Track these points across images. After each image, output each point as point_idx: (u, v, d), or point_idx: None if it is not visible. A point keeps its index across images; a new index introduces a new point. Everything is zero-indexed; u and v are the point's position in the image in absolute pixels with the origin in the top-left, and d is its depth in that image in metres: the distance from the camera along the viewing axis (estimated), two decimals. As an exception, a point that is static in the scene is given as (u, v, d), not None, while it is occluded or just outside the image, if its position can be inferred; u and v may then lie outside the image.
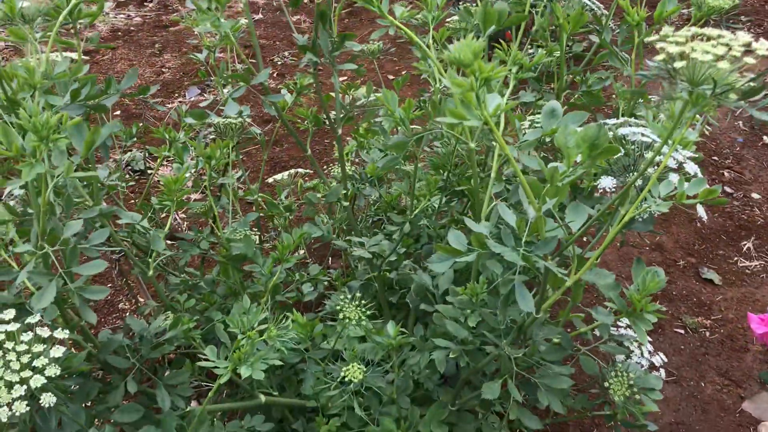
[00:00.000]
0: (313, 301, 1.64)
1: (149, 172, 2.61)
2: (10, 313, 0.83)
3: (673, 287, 2.17)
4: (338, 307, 1.11)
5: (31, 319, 0.83)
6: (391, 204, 1.64)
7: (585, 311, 1.10)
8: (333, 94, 1.36)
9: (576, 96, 1.49)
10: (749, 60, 0.62)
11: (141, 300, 1.84)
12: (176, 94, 3.14)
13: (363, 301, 1.11)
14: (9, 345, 0.79)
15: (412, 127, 1.19)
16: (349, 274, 1.75)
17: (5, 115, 0.88)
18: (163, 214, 1.58)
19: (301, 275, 1.46)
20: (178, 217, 2.37)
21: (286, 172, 1.84)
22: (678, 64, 0.62)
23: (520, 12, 1.06)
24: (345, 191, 1.41)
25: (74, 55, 1.07)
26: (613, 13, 1.42)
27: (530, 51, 1.47)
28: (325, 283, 1.61)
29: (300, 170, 1.85)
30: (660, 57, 0.64)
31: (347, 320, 1.11)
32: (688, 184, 0.87)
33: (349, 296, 1.12)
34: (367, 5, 0.92)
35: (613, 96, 1.53)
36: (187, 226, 2.30)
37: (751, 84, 0.66)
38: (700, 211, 0.96)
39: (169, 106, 3.08)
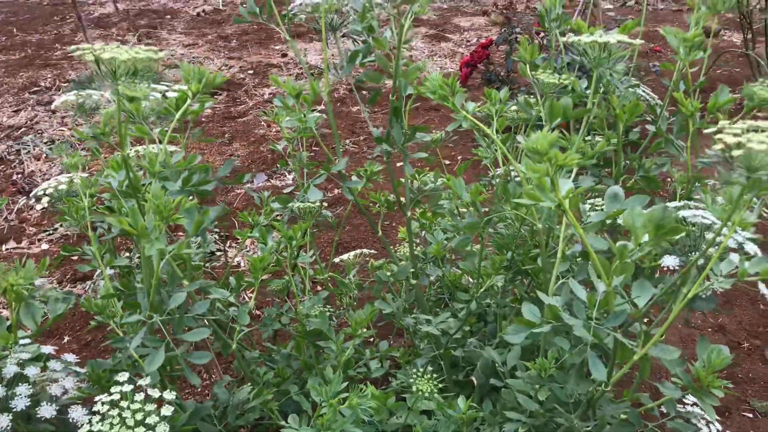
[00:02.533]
0: (379, 378, 1.70)
1: (218, 253, 2.74)
2: (124, 376, 0.92)
3: (738, 370, 2.14)
4: (411, 380, 1.17)
5: (141, 382, 0.92)
6: (453, 283, 1.71)
7: (652, 386, 1.13)
8: (403, 180, 1.46)
9: (632, 180, 1.56)
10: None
11: (214, 375, 1.93)
12: (246, 181, 3.32)
13: (434, 375, 1.17)
14: (124, 404, 0.88)
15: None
16: (413, 352, 1.81)
17: (124, 200, 1.00)
18: (241, 294, 1.68)
19: (372, 351, 1.53)
20: (246, 296, 2.47)
21: (352, 253, 1.93)
22: (735, 153, 0.69)
23: (580, 105, 1.15)
24: (413, 269, 1.49)
25: (177, 147, 1.20)
26: (667, 104, 1.51)
27: (588, 139, 1.56)
28: (388, 361, 1.67)
29: (365, 251, 1.94)
30: (718, 146, 0.71)
31: (419, 392, 1.17)
32: (749, 263, 0.92)
33: (421, 370, 1.18)
34: (443, 102, 1.03)
35: (669, 180, 1.59)
36: (259, 304, 2.40)
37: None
38: (763, 289, 1.00)
39: (239, 191, 3.25)
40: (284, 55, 5.41)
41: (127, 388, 0.90)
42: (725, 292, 2.50)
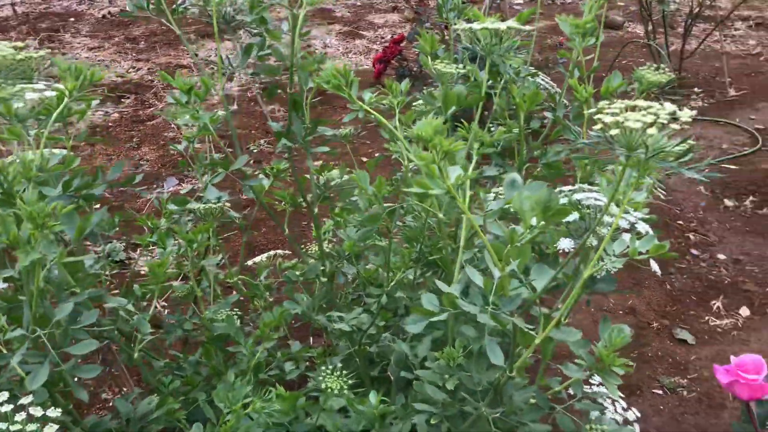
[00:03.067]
0: (295, 380, 1.67)
1: (128, 262, 2.64)
2: (3, 395, 0.86)
3: (648, 349, 2.22)
4: (320, 378, 1.15)
5: (23, 400, 0.86)
6: (369, 279, 1.69)
7: (558, 369, 1.15)
8: (308, 176, 1.44)
9: (537, 169, 1.58)
10: (674, 126, 0.70)
11: (125, 389, 1.85)
12: (155, 186, 3.21)
13: (344, 372, 1.15)
14: (3, 425, 0.82)
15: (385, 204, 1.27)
16: (331, 352, 1.78)
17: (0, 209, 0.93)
18: (145, 303, 1.62)
19: (283, 353, 1.50)
20: (158, 305, 2.39)
21: (264, 255, 1.89)
22: (613, 132, 0.70)
23: (477, 94, 1.16)
24: (323, 268, 1.47)
25: (64, 151, 1.14)
26: (566, 91, 1.53)
27: (491, 129, 1.57)
28: (306, 363, 1.64)
29: (278, 252, 1.90)
30: (597, 126, 0.72)
31: (330, 390, 1.14)
32: (639, 241, 0.94)
33: (331, 368, 1.16)
34: (337, 92, 1.01)
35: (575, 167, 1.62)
36: (168, 312, 2.33)
37: (681, 147, 0.74)
38: (655, 267, 1.03)
39: (149, 196, 3.15)
40: (195, 56, 5.28)
41: (7, 408, 0.84)
42: (635, 274, 2.59)
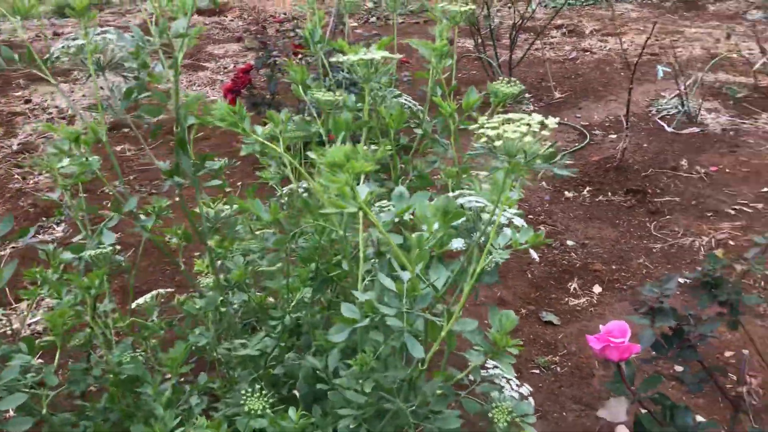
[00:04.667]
0: (201, 414, 1.67)
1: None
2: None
3: (521, 333, 2.42)
4: (242, 402, 1.19)
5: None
6: (260, 305, 1.74)
7: (459, 359, 1.27)
8: (198, 210, 1.47)
9: (409, 180, 1.71)
10: (545, 132, 0.84)
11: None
12: (7, 240, 3.04)
13: (263, 391, 1.20)
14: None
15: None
16: (229, 382, 1.80)
17: None
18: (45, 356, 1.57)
19: (192, 386, 1.51)
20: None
21: (148, 295, 1.88)
22: (497, 143, 0.82)
23: (362, 119, 1.26)
24: (221, 298, 1.50)
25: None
26: (429, 108, 1.68)
27: (365, 148, 1.68)
28: (206, 396, 1.65)
29: (161, 291, 1.90)
30: (482, 140, 0.84)
31: (252, 411, 1.19)
32: (518, 234, 1.08)
33: (250, 390, 1.21)
34: (233, 128, 1.07)
35: (438, 176, 1.77)
36: (72, 362, 2.23)
37: (550, 150, 0.88)
38: (533, 254, 1.18)
39: (2, 253, 2.97)
40: (28, 101, 5.02)
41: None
42: (500, 268, 2.80)
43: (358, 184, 1.54)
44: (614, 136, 3.92)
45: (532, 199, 3.36)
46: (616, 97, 4.48)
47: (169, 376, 1.45)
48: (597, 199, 3.32)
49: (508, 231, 1.11)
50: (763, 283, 2.62)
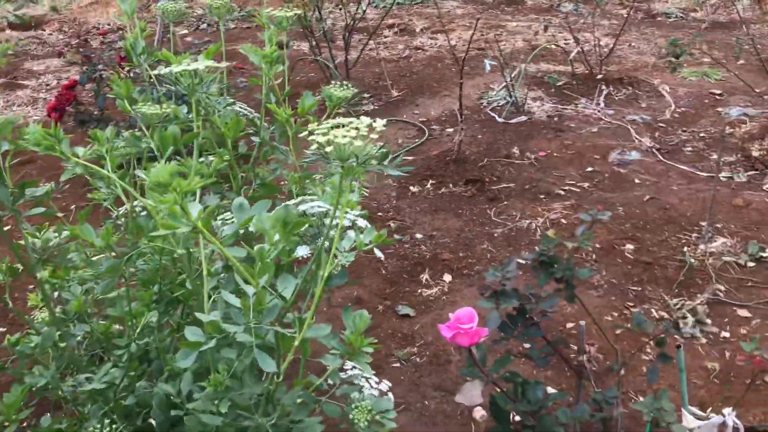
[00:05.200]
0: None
1: None
2: None
3: (380, 330, 2.46)
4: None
5: None
6: (105, 334, 1.64)
7: (318, 365, 1.27)
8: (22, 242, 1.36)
9: (253, 189, 1.68)
10: (374, 135, 0.85)
11: None
12: None
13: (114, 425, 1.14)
14: None
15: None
16: (79, 419, 1.69)
17: None
18: None
19: (34, 430, 1.40)
20: None
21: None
22: (328, 149, 0.82)
23: (190, 132, 1.22)
24: (59, 332, 1.40)
25: None
26: (266, 114, 1.66)
27: (202, 160, 1.63)
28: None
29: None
30: (313, 147, 0.84)
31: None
32: (362, 235, 1.10)
33: (99, 425, 1.13)
34: (50, 152, 1.00)
35: (283, 183, 1.76)
36: None
37: (382, 151, 0.90)
38: (378, 253, 1.20)
39: None
40: None
41: None
42: (354, 267, 2.83)
43: (202, 195, 1.49)
44: (451, 130, 4.09)
45: (379, 197, 3.43)
46: (449, 92, 4.66)
47: (7, 424, 1.33)
48: (440, 192, 3.44)
49: (351, 233, 1.12)
50: (594, 256, 2.84)
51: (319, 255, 1.16)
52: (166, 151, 1.14)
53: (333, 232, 1.08)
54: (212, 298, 1.23)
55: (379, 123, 0.86)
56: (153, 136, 1.20)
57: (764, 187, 3.30)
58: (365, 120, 0.87)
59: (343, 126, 0.86)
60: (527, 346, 2.09)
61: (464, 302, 2.59)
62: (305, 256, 1.12)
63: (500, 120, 4.19)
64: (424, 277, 2.77)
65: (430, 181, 3.52)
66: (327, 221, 1.14)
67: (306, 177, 1.53)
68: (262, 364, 0.92)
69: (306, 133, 0.83)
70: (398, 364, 2.30)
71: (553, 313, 2.48)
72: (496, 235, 3.05)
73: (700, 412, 1.58)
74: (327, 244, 1.10)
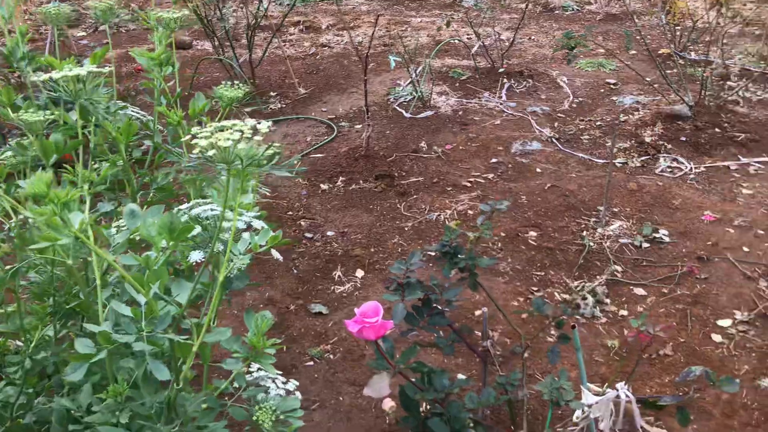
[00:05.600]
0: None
1: None
2: None
3: (293, 329, 2.46)
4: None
5: None
6: (1, 351, 1.58)
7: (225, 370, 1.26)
8: None
9: (151, 195, 1.65)
10: (258, 137, 0.86)
11: None
12: None
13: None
14: None
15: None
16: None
17: None
18: None
19: None
20: None
21: None
22: (210, 153, 0.82)
23: (75, 139, 1.18)
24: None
25: None
26: (158, 117, 1.63)
27: (95, 166, 1.58)
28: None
29: None
30: (196, 150, 0.84)
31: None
32: (258, 236, 1.10)
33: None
34: None
35: (185, 186, 1.73)
36: None
37: (268, 153, 0.90)
38: (276, 254, 1.20)
39: None
40: None
41: None
42: (264, 268, 2.82)
43: (96, 202, 1.45)
44: (359, 126, 4.11)
45: (290, 196, 3.41)
46: (357, 89, 4.68)
47: None
48: (351, 188, 3.46)
49: (246, 235, 1.12)
50: (500, 244, 2.92)
51: (217, 259, 1.16)
52: (49, 160, 1.11)
53: (227, 235, 1.07)
54: (107, 309, 1.20)
55: (264, 125, 0.86)
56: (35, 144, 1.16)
57: (656, 171, 3.49)
58: (249, 122, 0.87)
59: (227, 129, 0.86)
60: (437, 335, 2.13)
61: (377, 297, 2.62)
62: (198, 261, 1.11)
63: (408, 115, 4.24)
64: (337, 274, 2.78)
65: (341, 178, 3.53)
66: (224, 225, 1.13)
67: (203, 180, 1.52)
68: (155, 372, 0.91)
69: (183, 139, 0.82)
70: (311, 363, 2.30)
71: (462, 302, 2.56)
72: (406, 228, 3.09)
73: (597, 388, 1.66)
74: (222, 247, 1.09)
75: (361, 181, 3.49)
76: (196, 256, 1.10)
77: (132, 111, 1.72)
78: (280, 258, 1.18)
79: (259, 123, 0.87)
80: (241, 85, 1.37)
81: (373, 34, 3.81)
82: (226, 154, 0.84)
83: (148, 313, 0.95)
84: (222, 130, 0.85)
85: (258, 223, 1.17)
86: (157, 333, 0.93)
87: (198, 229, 1.08)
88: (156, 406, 1.16)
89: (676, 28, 5.04)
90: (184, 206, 1.16)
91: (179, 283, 1.04)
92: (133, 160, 1.74)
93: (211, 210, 1.14)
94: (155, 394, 1.17)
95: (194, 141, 0.85)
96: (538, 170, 3.56)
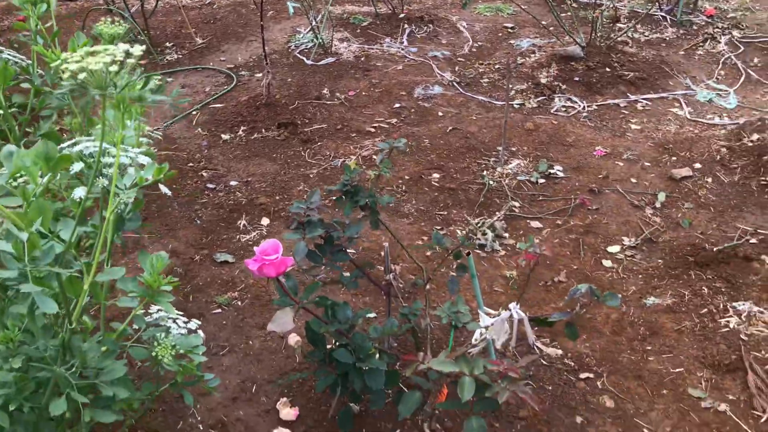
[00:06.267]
0: None
1: None
2: None
3: (198, 279, 2.44)
4: None
5: None
6: None
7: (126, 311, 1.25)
8: None
9: (36, 141, 1.59)
10: (131, 61, 0.84)
11: None
12: None
13: None
14: None
15: None
16: None
17: None
18: None
19: None
20: None
21: None
22: (81, 76, 0.80)
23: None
24: None
25: None
26: (37, 61, 1.56)
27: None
28: None
29: None
30: (66, 75, 0.81)
31: None
32: (143, 170, 1.08)
33: None
34: None
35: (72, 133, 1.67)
36: None
37: (143, 77, 0.89)
38: (163, 189, 1.19)
39: None
40: None
41: None
42: (166, 220, 2.76)
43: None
44: (260, 75, 4.04)
45: (190, 147, 3.34)
46: (256, 37, 4.58)
47: None
48: (253, 137, 3.41)
49: (132, 170, 1.10)
50: (404, 187, 2.98)
51: (105, 199, 1.14)
52: None
53: (111, 171, 1.05)
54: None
55: (137, 49, 0.85)
56: None
57: (552, 111, 3.61)
58: (122, 46, 0.85)
59: (99, 53, 0.84)
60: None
61: (284, 243, 2.63)
62: (81, 198, 1.09)
63: (309, 62, 4.20)
64: (242, 223, 2.77)
65: (242, 128, 3.47)
66: (105, 160, 1.11)
67: (91, 122, 1.47)
68: (41, 305, 0.90)
69: (51, 63, 0.80)
70: (219, 310, 2.30)
71: (369, 244, 2.60)
72: (311, 176, 3.09)
73: (492, 311, 1.74)
74: (107, 183, 1.07)
75: (263, 130, 3.45)
76: (79, 192, 1.07)
77: (9, 55, 1.63)
78: (168, 192, 1.17)
79: (132, 47, 0.85)
80: (121, 21, 1.32)
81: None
82: (99, 79, 0.82)
83: (30, 248, 0.93)
84: (93, 54, 0.83)
85: (144, 159, 1.15)
86: (41, 267, 0.92)
87: (80, 165, 1.06)
88: (51, 349, 1.14)
89: (569, -28, 5.16)
90: (66, 144, 1.13)
91: (65, 222, 1.02)
92: (14, 107, 1.66)
93: (94, 147, 1.11)
94: (50, 339, 1.16)
95: (64, 66, 0.82)
96: (440, 114, 3.62)
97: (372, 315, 2.24)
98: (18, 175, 1.08)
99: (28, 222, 0.90)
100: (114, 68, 0.81)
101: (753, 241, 2.54)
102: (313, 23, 4.30)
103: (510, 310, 1.61)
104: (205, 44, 4.57)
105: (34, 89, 1.46)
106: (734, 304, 2.25)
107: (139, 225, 1.28)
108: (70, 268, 1.03)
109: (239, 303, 2.34)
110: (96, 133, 1.27)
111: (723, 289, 2.33)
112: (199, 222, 2.77)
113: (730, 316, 2.21)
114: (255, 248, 1.54)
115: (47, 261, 0.93)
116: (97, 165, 0.97)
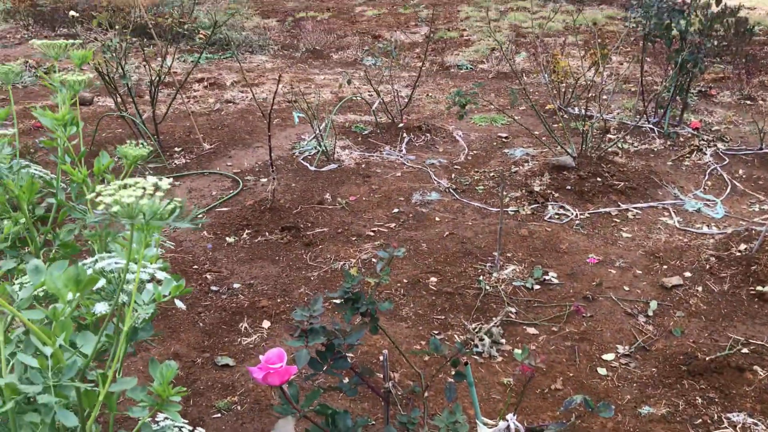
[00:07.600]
0: None
1: None
2: None
3: (199, 383, 2.47)
4: None
5: None
6: None
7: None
8: None
9: (54, 251, 1.67)
10: (160, 193, 0.93)
11: None
12: None
13: None
14: None
15: None
16: None
17: None
18: None
19: None
20: None
21: None
22: (114, 209, 0.89)
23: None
24: None
25: None
26: (61, 175, 1.66)
27: (-5, 225, 1.60)
28: None
29: None
30: (100, 207, 0.91)
31: None
32: (161, 287, 1.16)
33: None
34: None
35: (88, 242, 1.75)
36: None
37: (169, 207, 0.98)
38: (179, 304, 1.26)
39: None
40: None
41: None
42: (170, 323, 2.81)
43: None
44: (265, 180, 4.19)
45: (195, 250, 3.43)
46: (262, 144, 4.78)
47: None
48: (257, 240, 3.51)
49: (150, 286, 1.18)
50: (402, 290, 3.04)
51: (122, 310, 1.21)
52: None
53: (131, 287, 1.13)
54: (11, 364, 1.22)
55: (165, 182, 0.94)
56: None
57: (545, 218, 3.73)
58: (151, 179, 0.95)
59: (130, 186, 0.93)
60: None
61: (284, 347, 2.67)
62: (103, 312, 1.16)
63: (312, 168, 4.36)
64: (243, 325, 2.82)
65: (246, 231, 3.58)
66: (129, 277, 1.19)
67: (108, 235, 1.56)
68: (62, 419, 0.95)
69: (87, 196, 0.89)
70: (219, 415, 2.32)
71: (368, 348, 2.65)
72: (312, 278, 3.17)
73: (490, 421, 1.77)
74: (126, 298, 1.15)
75: (267, 233, 3.55)
76: (100, 307, 1.14)
77: (36, 170, 1.74)
78: (183, 307, 1.25)
79: (160, 180, 0.95)
80: (145, 143, 1.44)
81: (276, 90, 3.93)
82: (130, 210, 0.91)
83: (54, 363, 0.99)
84: (125, 188, 0.92)
85: (161, 275, 1.23)
86: (63, 382, 0.98)
87: (103, 281, 1.13)
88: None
89: (561, 85, 5.43)
90: (88, 260, 1.21)
91: (84, 335, 1.09)
92: (36, 218, 1.76)
93: (115, 263, 1.19)
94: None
95: (99, 198, 0.91)
96: (437, 219, 3.74)
97: (371, 422, 2.26)
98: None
99: (54, 338, 0.97)
100: (144, 201, 0.90)
101: (744, 351, 2.59)
102: (317, 131, 4.49)
103: (507, 421, 1.64)
104: (213, 149, 4.75)
105: (57, 203, 1.56)
106: (728, 415, 2.28)
107: (151, 334, 1.35)
108: (88, 380, 1.08)
109: (239, 407, 2.36)
110: (115, 248, 1.36)
111: (716, 400, 2.36)
112: (201, 325, 2.82)
113: (725, 428, 2.23)
114: (261, 356, 1.59)
115: (70, 375, 0.99)
116: (120, 284, 1.04)
